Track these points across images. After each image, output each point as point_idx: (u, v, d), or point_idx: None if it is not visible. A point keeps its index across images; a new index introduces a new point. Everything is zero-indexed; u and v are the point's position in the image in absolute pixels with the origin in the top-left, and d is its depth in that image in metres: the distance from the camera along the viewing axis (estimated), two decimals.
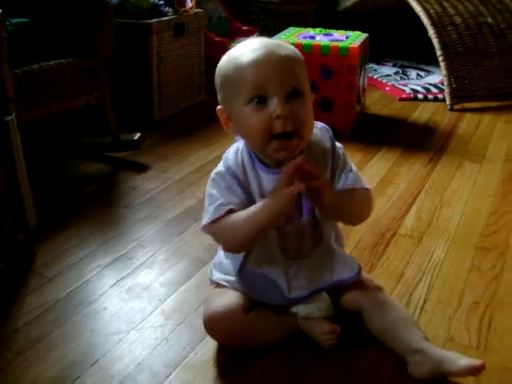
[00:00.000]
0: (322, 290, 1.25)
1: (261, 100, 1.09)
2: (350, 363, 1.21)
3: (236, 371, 1.19)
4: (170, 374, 1.18)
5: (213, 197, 1.17)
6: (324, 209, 1.16)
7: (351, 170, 1.22)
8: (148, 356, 1.23)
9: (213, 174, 1.20)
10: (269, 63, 1.09)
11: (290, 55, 1.13)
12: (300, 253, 1.24)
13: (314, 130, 1.21)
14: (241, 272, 1.23)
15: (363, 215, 1.25)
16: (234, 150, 1.21)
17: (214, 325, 1.22)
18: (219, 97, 1.19)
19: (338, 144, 1.24)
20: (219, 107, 1.19)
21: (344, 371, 1.19)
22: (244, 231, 1.13)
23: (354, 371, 1.19)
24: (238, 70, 1.11)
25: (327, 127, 1.25)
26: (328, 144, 1.22)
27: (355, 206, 1.21)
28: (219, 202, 1.15)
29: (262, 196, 1.17)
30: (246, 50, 1.13)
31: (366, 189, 1.22)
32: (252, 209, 1.13)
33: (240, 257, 1.22)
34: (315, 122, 1.21)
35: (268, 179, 1.16)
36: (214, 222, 1.15)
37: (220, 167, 1.19)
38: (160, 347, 1.26)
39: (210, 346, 1.25)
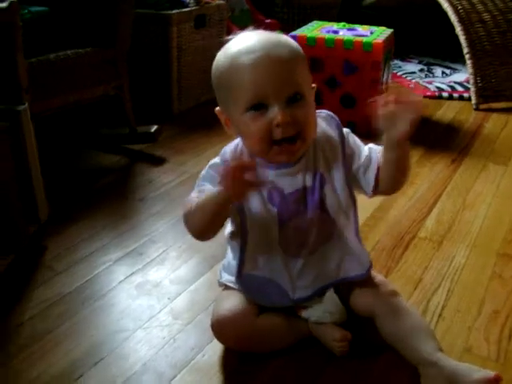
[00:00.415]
0: (328, 288, 1.20)
1: (259, 107, 1.05)
2: (362, 370, 1.17)
3: (243, 376, 1.15)
4: (176, 376, 1.15)
5: (200, 186, 1.15)
6: (403, 141, 1.06)
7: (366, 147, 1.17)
8: (154, 356, 1.20)
9: (207, 167, 1.17)
10: (267, 68, 1.04)
11: (288, 56, 1.06)
12: (303, 250, 1.18)
13: (319, 119, 1.15)
14: (239, 277, 1.19)
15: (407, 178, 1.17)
16: (234, 144, 1.17)
17: (221, 329, 1.18)
18: (217, 96, 1.14)
19: (345, 129, 1.18)
20: (218, 108, 1.14)
21: (355, 379, 1.15)
22: (200, 214, 1.09)
23: (367, 379, 1.15)
24: (234, 75, 1.06)
25: (332, 114, 1.19)
26: (335, 133, 1.17)
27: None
28: (200, 187, 1.13)
29: (260, 195, 1.13)
30: (241, 50, 1.06)
31: None
32: (207, 193, 1.09)
33: (236, 260, 1.19)
34: (319, 110, 1.16)
35: (266, 173, 1.12)
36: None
37: (216, 160, 1.16)
38: (167, 347, 1.22)
39: (218, 348, 1.22)
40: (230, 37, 1.12)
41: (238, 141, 1.17)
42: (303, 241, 1.17)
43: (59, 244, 1.58)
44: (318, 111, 1.16)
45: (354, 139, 1.18)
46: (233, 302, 1.20)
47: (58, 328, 1.27)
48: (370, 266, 1.23)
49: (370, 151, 1.16)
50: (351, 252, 1.22)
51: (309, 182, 1.14)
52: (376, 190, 1.17)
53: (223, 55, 1.10)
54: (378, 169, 1.14)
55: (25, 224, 1.56)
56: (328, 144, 1.16)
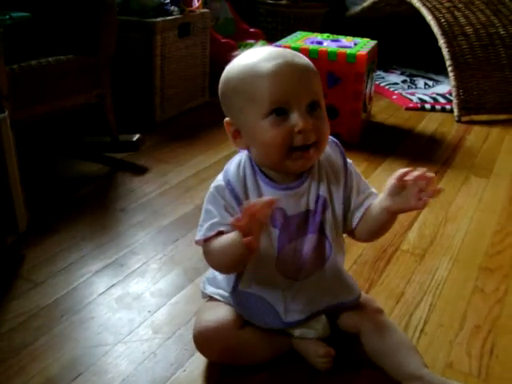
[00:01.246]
0: (321, 314, 1.19)
1: (281, 113, 1.03)
2: None
3: None
4: None
5: (209, 213, 1.11)
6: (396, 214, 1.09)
7: (368, 187, 1.17)
8: (133, 371, 1.18)
9: (212, 188, 1.13)
10: (289, 74, 1.04)
11: (307, 65, 1.07)
12: (300, 273, 1.16)
13: None
14: (234, 292, 1.18)
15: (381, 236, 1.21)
16: (237, 163, 1.14)
17: (204, 340, 1.16)
18: (227, 110, 1.12)
19: (348, 160, 1.18)
20: (227, 119, 1.12)
21: None
22: (222, 258, 1.09)
23: None
24: (255, 81, 1.04)
25: (337, 142, 1.19)
26: (340, 160, 1.17)
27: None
28: (214, 220, 1.10)
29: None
30: (259, 58, 1.06)
31: None
32: (227, 239, 1.06)
33: (233, 276, 1.17)
34: None
35: (270, 194, 1.09)
36: (205, 240, 1.10)
37: (220, 181, 1.12)
38: (147, 362, 1.20)
39: (199, 362, 1.20)
40: (236, 53, 1.12)
41: (240, 157, 1.15)
42: (301, 264, 1.16)
43: (38, 255, 1.55)
44: None
45: (356, 172, 1.18)
46: (216, 313, 1.18)
47: (36, 342, 1.24)
48: (360, 292, 1.23)
49: (368, 195, 1.16)
50: (344, 278, 1.21)
51: (312, 205, 1.13)
52: (353, 231, 1.18)
53: (237, 66, 1.08)
54: (364, 213, 1.15)
55: (3, 234, 1.53)
56: (331, 169, 1.15)
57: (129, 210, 1.83)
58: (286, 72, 1.03)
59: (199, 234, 1.11)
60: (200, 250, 1.19)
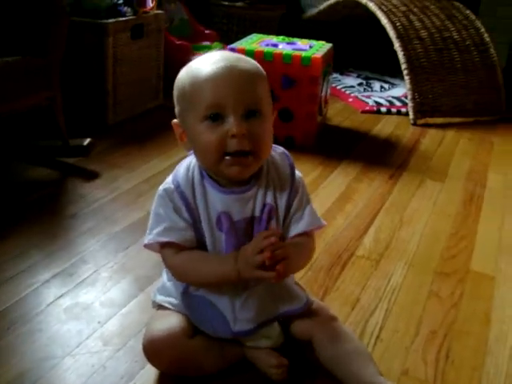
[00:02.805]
0: (270, 322, 1.17)
1: (216, 117, 1.03)
2: None
3: None
4: None
5: (159, 217, 1.11)
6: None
7: (308, 205, 1.16)
8: None
9: (161, 190, 1.12)
10: (226, 79, 1.03)
11: (251, 71, 1.06)
12: (248, 281, 1.13)
13: (274, 154, 1.16)
14: (185, 294, 1.15)
15: (303, 266, 1.24)
16: (186, 165, 1.14)
17: (153, 350, 1.13)
18: (176, 110, 1.12)
19: (297, 172, 1.18)
20: (175, 121, 1.13)
21: None
22: (203, 276, 1.10)
23: None
24: (195, 85, 1.05)
25: (287, 153, 1.18)
26: (287, 171, 1.16)
27: (302, 259, 1.18)
28: (165, 225, 1.09)
29: (209, 221, 1.09)
30: (204, 63, 1.06)
31: (310, 236, 1.17)
32: (214, 260, 1.10)
33: None
34: (275, 146, 1.16)
35: (216, 197, 1.10)
36: (160, 245, 1.10)
37: (169, 183, 1.11)
38: (96, 375, 1.16)
39: (150, 375, 1.16)
40: (193, 57, 1.12)
41: (190, 159, 1.14)
42: None
43: None
44: (274, 146, 1.15)
45: (304, 188, 1.18)
46: (166, 322, 1.15)
47: None
48: (308, 300, 1.21)
49: (307, 218, 1.16)
50: (290, 286, 1.20)
51: (258, 211, 1.12)
52: None
53: (186, 69, 1.10)
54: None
55: None
56: (278, 179, 1.15)
57: (79, 216, 1.78)
58: (223, 76, 1.03)
59: (149, 238, 1.11)
60: (152, 256, 1.16)
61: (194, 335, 1.15)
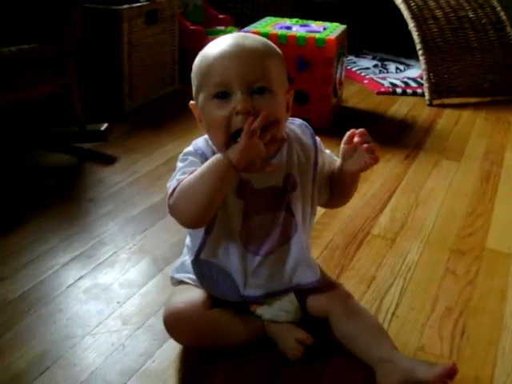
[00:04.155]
0: (280, 294, 1.18)
1: (224, 95, 1.04)
2: (317, 373, 1.14)
3: (195, 381, 1.12)
4: None
5: (178, 169, 1.12)
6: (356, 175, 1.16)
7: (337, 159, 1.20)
8: (102, 364, 1.15)
9: (181, 155, 1.15)
10: (232, 56, 1.05)
11: (258, 48, 1.07)
12: (262, 248, 1.16)
13: (293, 126, 1.18)
14: (196, 261, 1.16)
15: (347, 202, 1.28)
16: (204, 139, 1.15)
17: (174, 321, 1.14)
18: (193, 92, 1.13)
19: (317, 138, 1.20)
20: (192, 102, 1.14)
21: (311, 381, 1.13)
22: (197, 190, 1.05)
23: (321, 382, 1.13)
24: (206, 64, 1.07)
25: (306, 124, 1.20)
26: (310, 141, 1.18)
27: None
28: (184, 169, 1.10)
29: (232, 189, 1.11)
30: (215, 43, 1.09)
31: None
32: (206, 164, 1.06)
33: (197, 246, 1.16)
34: (292, 118, 1.18)
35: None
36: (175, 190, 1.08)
37: (189, 148, 1.15)
38: (116, 354, 1.18)
39: (168, 353, 1.18)
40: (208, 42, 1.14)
41: (206, 135, 1.16)
42: (264, 239, 1.16)
43: (3, 248, 1.52)
44: (291, 119, 1.18)
45: (324, 149, 1.22)
46: (185, 295, 1.17)
47: (1, 337, 1.21)
48: (321, 276, 1.21)
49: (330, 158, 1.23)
50: (305, 258, 1.20)
51: (280, 181, 1.14)
52: (328, 200, 1.24)
53: (201, 51, 1.11)
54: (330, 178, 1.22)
55: None
56: (302, 150, 1.17)
57: (98, 200, 1.80)
58: (229, 54, 1.05)
59: (172, 183, 1.09)
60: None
61: (212, 307, 1.16)
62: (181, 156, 1.15)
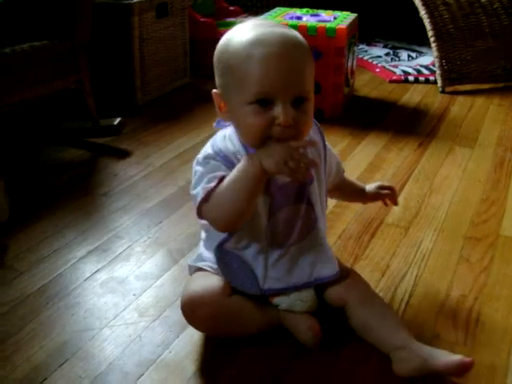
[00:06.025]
0: (302, 288, 1.19)
1: (265, 103, 1.03)
2: (331, 362, 1.15)
3: (211, 371, 1.14)
4: (142, 375, 1.12)
5: (203, 175, 1.09)
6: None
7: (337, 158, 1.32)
8: (120, 355, 1.17)
9: (200, 158, 1.12)
10: (280, 66, 1.02)
11: (303, 57, 1.06)
12: (288, 240, 1.17)
13: None
14: (220, 248, 1.17)
15: None
16: (222, 137, 1.14)
17: (191, 307, 1.15)
18: (218, 81, 1.11)
19: (326, 143, 1.24)
20: (215, 91, 1.12)
21: (325, 370, 1.13)
22: (233, 197, 1.04)
23: (335, 371, 1.13)
24: (246, 66, 1.03)
25: (315, 121, 1.20)
26: (318, 136, 1.20)
27: None
28: (209, 176, 1.07)
29: None
30: (257, 39, 1.04)
31: None
32: (235, 172, 1.05)
33: (220, 239, 1.16)
34: None
35: None
36: (206, 198, 1.06)
37: (208, 151, 1.12)
38: (133, 345, 1.20)
39: (185, 343, 1.20)
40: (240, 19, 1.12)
41: (223, 132, 1.15)
42: (288, 232, 1.17)
43: (21, 243, 1.54)
44: None
45: (329, 147, 1.27)
46: (204, 281, 1.18)
47: (21, 330, 1.23)
48: (339, 270, 1.22)
49: (338, 164, 1.32)
50: (325, 251, 1.22)
51: None
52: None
53: (236, 41, 1.06)
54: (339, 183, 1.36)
55: None
56: (314, 148, 1.18)
57: (112, 194, 1.82)
58: (277, 62, 1.02)
59: (199, 196, 1.07)
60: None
61: (231, 294, 1.17)
62: (200, 159, 1.12)
